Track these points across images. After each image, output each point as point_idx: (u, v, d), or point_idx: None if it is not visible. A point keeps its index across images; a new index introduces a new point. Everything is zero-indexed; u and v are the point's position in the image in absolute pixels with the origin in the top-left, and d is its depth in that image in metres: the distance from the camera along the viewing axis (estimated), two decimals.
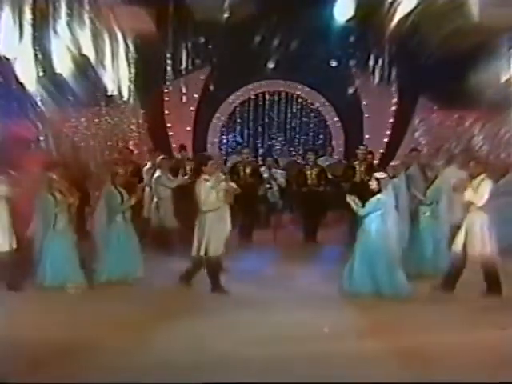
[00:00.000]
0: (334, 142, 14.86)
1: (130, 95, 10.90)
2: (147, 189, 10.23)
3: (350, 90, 13.97)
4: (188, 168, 10.56)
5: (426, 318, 6.66)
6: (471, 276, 7.67)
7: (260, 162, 13.82)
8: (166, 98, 14.15)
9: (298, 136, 15.06)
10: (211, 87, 13.96)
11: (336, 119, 14.86)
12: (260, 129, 15.08)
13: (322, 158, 13.04)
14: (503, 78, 10.05)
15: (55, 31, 8.97)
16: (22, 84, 8.98)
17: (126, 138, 13.04)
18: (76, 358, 5.53)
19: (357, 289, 7.52)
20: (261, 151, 14.99)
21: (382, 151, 13.91)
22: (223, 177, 8.07)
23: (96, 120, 12.38)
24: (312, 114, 15.01)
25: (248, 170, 11.25)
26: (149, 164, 10.83)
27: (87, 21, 9.27)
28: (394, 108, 14.33)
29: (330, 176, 11.67)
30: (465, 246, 7.63)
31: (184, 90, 13.58)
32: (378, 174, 7.76)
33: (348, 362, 5.51)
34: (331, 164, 12.93)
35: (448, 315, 6.77)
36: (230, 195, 7.80)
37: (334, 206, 11.03)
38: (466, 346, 5.87)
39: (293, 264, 9.19)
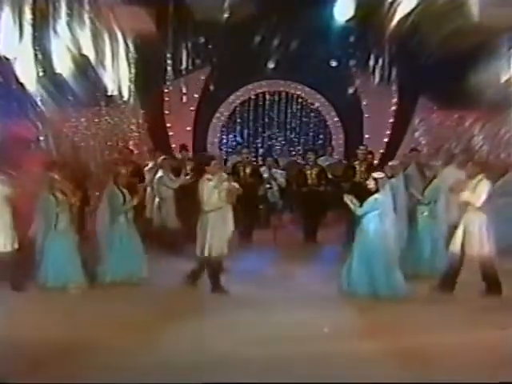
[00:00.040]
0: (333, 142, 14.85)
1: (130, 95, 10.90)
2: (148, 189, 10.23)
3: (350, 90, 13.96)
4: (189, 168, 10.56)
5: (426, 318, 6.66)
6: (470, 276, 7.68)
7: (260, 162, 13.84)
8: (166, 98, 14.13)
9: (297, 136, 15.05)
10: (211, 87, 13.95)
11: (336, 119, 14.85)
12: (260, 129, 15.06)
13: (321, 158, 13.04)
14: (503, 78, 10.05)
15: (55, 31, 8.97)
16: (22, 84, 8.98)
17: (126, 138, 13.03)
18: (76, 358, 5.54)
19: (355, 289, 7.53)
20: (261, 151, 14.98)
21: (382, 151, 13.89)
22: (226, 176, 8.08)
23: (96, 120, 12.36)
24: (312, 114, 15.00)
25: (248, 170, 11.26)
26: (150, 164, 10.82)
27: (87, 21, 9.27)
28: (393, 108, 14.32)
29: (330, 176, 11.67)
30: (463, 246, 7.64)
31: (184, 90, 13.57)
32: (375, 174, 7.77)
33: (348, 362, 5.52)
34: (331, 164, 12.92)
35: (447, 315, 6.77)
36: (232, 195, 7.81)
37: (334, 206, 11.02)
38: (465, 346, 5.87)
39: (293, 264, 9.19)
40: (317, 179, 11.31)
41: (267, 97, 14.92)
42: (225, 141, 15.05)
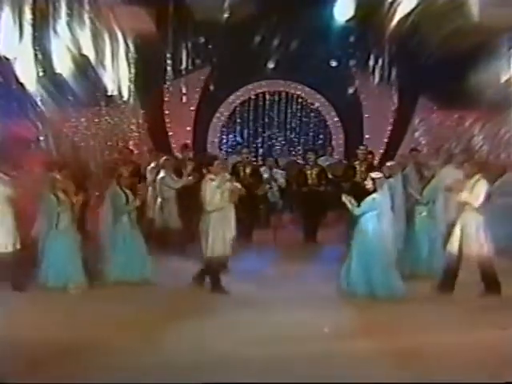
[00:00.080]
0: (334, 142, 14.84)
1: (130, 95, 10.90)
2: (150, 189, 10.22)
3: (350, 90, 13.96)
4: (189, 168, 10.54)
5: (425, 319, 6.67)
6: (469, 276, 7.68)
7: (260, 162, 13.84)
8: (166, 98, 14.14)
9: (297, 136, 15.04)
10: (211, 87, 13.95)
11: (336, 119, 14.84)
12: (260, 129, 15.05)
13: (322, 158, 13.03)
14: (503, 78, 10.05)
15: (55, 31, 8.97)
16: (22, 84, 8.98)
17: (126, 138, 13.03)
18: (77, 358, 5.53)
19: (354, 289, 7.53)
20: (261, 151, 14.98)
21: (382, 151, 13.90)
22: (228, 177, 8.08)
23: (96, 120, 12.37)
24: (312, 114, 14.99)
25: (248, 170, 11.26)
26: (152, 164, 10.83)
27: (87, 21, 9.27)
28: (393, 108, 14.32)
29: (330, 176, 11.67)
30: (460, 246, 7.64)
31: (184, 90, 13.57)
32: (373, 174, 7.79)
33: (348, 362, 5.52)
34: (331, 164, 12.92)
35: (446, 315, 6.77)
36: (234, 195, 7.81)
37: (334, 206, 11.01)
38: (464, 346, 5.87)
39: (293, 264, 9.19)
40: (317, 179, 11.32)
41: (267, 97, 14.92)
42: (225, 141, 15.04)
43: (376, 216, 7.55)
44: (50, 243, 7.87)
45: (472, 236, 7.58)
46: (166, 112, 14.28)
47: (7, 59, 8.58)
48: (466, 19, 9.07)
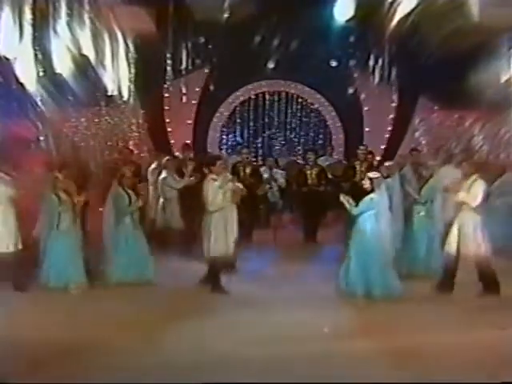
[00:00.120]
0: (333, 142, 14.85)
1: (130, 95, 10.89)
2: (151, 189, 10.20)
3: (350, 90, 13.98)
4: (190, 168, 10.53)
5: (424, 318, 6.67)
6: (467, 276, 7.68)
7: (260, 162, 13.84)
8: (166, 99, 14.14)
9: (297, 136, 15.06)
10: (211, 87, 13.95)
11: (336, 119, 14.86)
12: (260, 129, 15.07)
13: (321, 158, 13.03)
14: (503, 78, 10.05)
15: (55, 31, 8.96)
16: (22, 84, 8.98)
17: (126, 138, 13.03)
18: (77, 358, 5.53)
19: (353, 289, 7.53)
20: (261, 151, 14.98)
21: (382, 151, 13.89)
22: (230, 177, 8.08)
23: (96, 120, 12.36)
24: (312, 114, 15.01)
25: (248, 170, 11.25)
26: (154, 164, 10.82)
27: (87, 21, 9.27)
28: (394, 108, 14.32)
29: (330, 176, 11.67)
30: (458, 246, 7.64)
31: (184, 90, 13.57)
32: (371, 174, 7.79)
33: (348, 362, 5.52)
34: (331, 164, 12.92)
35: (445, 315, 6.78)
36: (237, 195, 7.81)
37: (334, 206, 11.01)
38: (463, 345, 5.87)
39: (293, 264, 9.19)
40: (317, 179, 11.32)
41: (267, 97, 14.93)
42: (225, 141, 15.05)
43: (374, 216, 7.56)
44: (51, 243, 7.87)
45: (469, 236, 7.59)
46: (166, 112, 14.29)
47: (7, 59, 8.58)
48: (465, 19, 9.07)
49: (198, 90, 14.28)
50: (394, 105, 14.30)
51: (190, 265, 8.54)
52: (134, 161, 11.12)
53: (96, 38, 9.47)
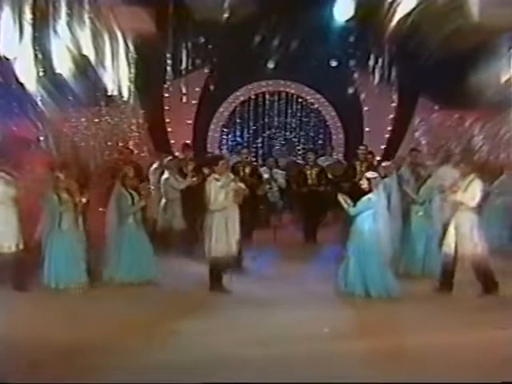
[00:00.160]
0: (333, 142, 14.86)
1: (130, 95, 10.89)
2: (152, 189, 10.19)
3: (350, 90, 13.98)
4: (190, 168, 10.53)
5: (424, 318, 6.67)
6: (467, 276, 7.68)
7: (260, 162, 13.83)
8: (166, 98, 14.14)
9: (297, 136, 15.06)
10: (211, 87, 13.96)
11: (336, 119, 14.87)
12: (260, 129, 15.07)
13: (321, 158, 13.04)
14: (503, 78, 10.04)
15: (55, 31, 8.96)
16: (22, 84, 8.97)
17: (126, 138, 13.02)
18: (77, 358, 5.53)
19: (353, 289, 7.54)
20: (261, 151, 14.98)
21: (382, 151, 13.89)
22: (232, 177, 8.08)
23: (96, 120, 12.35)
24: (312, 114, 15.02)
25: (247, 170, 11.25)
26: (155, 164, 10.81)
27: (87, 21, 9.26)
28: (394, 108, 14.32)
29: (329, 176, 11.67)
30: (455, 246, 7.63)
31: (184, 90, 13.57)
32: (368, 174, 7.81)
33: (348, 362, 5.52)
34: (331, 164, 12.92)
35: (445, 315, 6.78)
36: (239, 196, 7.82)
37: (334, 206, 11.02)
38: (462, 345, 5.87)
39: (293, 264, 9.19)
40: (317, 179, 11.32)
41: (267, 97, 14.94)
42: (225, 141, 15.05)
43: (372, 216, 7.56)
44: (53, 243, 7.87)
45: (466, 235, 7.59)
46: (166, 112, 14.28)
47: (7, 59, 8.58)
48: (466, 19, 9.07)
49: (198, 90, 14.29)
50: (393, 105, 14.30)
51: (191, 265, 8.54)
52: (135, 161, 11.13)
53: (96, 38, 9.47)
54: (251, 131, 15.04)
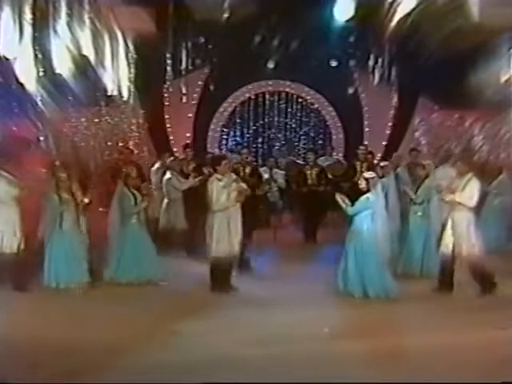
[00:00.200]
0: (333, 142, 14.86)
1: (129, 95, 10.89)
2: (154, 189, 10.19)
3: (350, 90, 13.98)
4: (190, 167, 10.53)
5: (424, 318, 6.67)
6: (466, 276, 7.68)
7: (260, 162, 13.83)
8: (166, 99, 14.14)
9: (297, 136, 15.06)
10: (211, 87, 13.96)
11: (336, 119, 14.86)
12: (260, 129, 15.07)
13: (321, 158, 13.05)
14: (503, 78, 10.04)
15: (55, 31, 8.96)
16: (22, 84, 8.97)
17: (126, 138, 13.02)
18: (77, 358, 5.53)
19: (352, 289, 7.54)
20: (261, 151, 14.98)
21: (381, 151, 13.89)
22: (235, 177, 8.08)
23: (96, 120, 12.35)
24: (312, 114, 15.01)
25: (247, 170, 11.24)
26: (157, 164, 10.80)
27: (87, 21, 9.26)
28: (393, 108, 14.32)
29: (329, 176, 11.67)
30: (453, 246, 7.63)
31: (184, 90, 13.55)
32: (366, 174, 7.81)
33: (348, 362, 5.52)
34: (331, 164, 12.92)
35: (445, 315, 6.78)
36: (242, 196, 7.82)
37: (334, 206, 11.01)
38: (464, 345, 5.87)
39: (293, 264, 9.20)
40: (317, 179, 11.33)
41: (267, 97, 14.93)
42: (225, 141, 15.04)
43: (370, 216, 7.56)
44: (54, 243, 7.87)
45: (463, 235, 7.58)
46: (166, 112, 14.29)
47: (7, 59, 8.58)
48: (466, 19, 9.07)
49: (197, 90, 14.28)
50: (393, 105, 14.29)
51: (192, 265, 8.55)
52: (135, 161, 11.14)
53: (96, 38, 9.47)
54: (251, 131, 15.03)
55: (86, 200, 8.02)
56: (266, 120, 15.03)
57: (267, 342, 5.94)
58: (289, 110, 14.97)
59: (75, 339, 5.92)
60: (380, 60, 12.58)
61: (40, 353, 5.58)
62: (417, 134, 13.69)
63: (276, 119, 15.01)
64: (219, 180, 7.81)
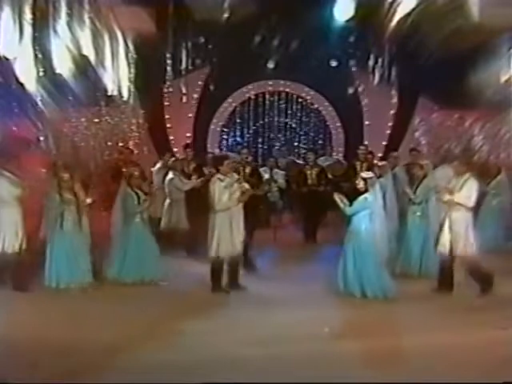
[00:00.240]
0: (333, 142, 14.85)
1: (129, 95, 10.89)
2: (156, 189, 10.19)
3: (350, 90, 13.97)
4: (191, 168, 10.52)
5: (424, 318, 6.68)
6: (466, 276, 7.67)
7: (260, 162, 13.82)
8: (166, 98, 14.14)
9: (297, 136, 15.06)
10: (211, 87, 13.95)
11: (336, 119, 14.85)
12: (260, 129, 15.07)
13: (321, 158, 13.04)
14: (503, 78, 10.04)
15: (55, 31, 8.95)
16: (22, 84, 8.97)
17: (126, 138, 13.02)
18: (77, 358, 5.54)
19: (351, 289, 7.54)
20: (261, 151, 14.97)
21: (381, 151, 13.88)
22: (236, 177, 8.09)
23: (96, 120, 12.34)
24: (312, 114, 15.00)
25: (247, 170, 11.24)
26: (158, 164, 10.79)
27: (87, 21, 9.25)
28: (394, 108, 14.32)
29: (329, 176, 11.67)
30: (451, 245, 7.63)
31: (184, 90, 13.55)
32: (364, 174, 7.82)
33: (348, 362, 5.52)
34: (331, 164, 12.92)
35: (445, 315, 6.78)
36: (244, 196, 7.82)
37: (334, 206, 11.01)
38: (463, 345, 5.87)
39: (293, 264, 9.20)
40: (317, 179, 11.33)
41: (267, 97, 14.92)
42: (225, 141, 15.04)
43: (368, 216, 7.57)
44: (55, 243, 7.87)
45: (461, 235, 7.58)
46: (166, 112, 14.28)
47: (7, 59, 8.58)
48: (466, 19, 9.07)
49: (198, 90, 14.28)
50: (393, 105, 14.28)
51: (194, 265, 8.55)
52: (135, 161, 11.13)
53: (96, 38, 9.46)
54: (251, 131, 15.03)
55: (89, 200, 8.02)
56: (266, 120, 15.02)
57: (267, 342, 5.95)
58: (289, 110, 14.96)
59: (75, 339, 5.92)
60: (380, 60, 12.57)
61: (40, 353, 5.58)
62: (417, 133, 13.68)
63: (276, 119, 15.00)
64: (221, 180, 7.81)
